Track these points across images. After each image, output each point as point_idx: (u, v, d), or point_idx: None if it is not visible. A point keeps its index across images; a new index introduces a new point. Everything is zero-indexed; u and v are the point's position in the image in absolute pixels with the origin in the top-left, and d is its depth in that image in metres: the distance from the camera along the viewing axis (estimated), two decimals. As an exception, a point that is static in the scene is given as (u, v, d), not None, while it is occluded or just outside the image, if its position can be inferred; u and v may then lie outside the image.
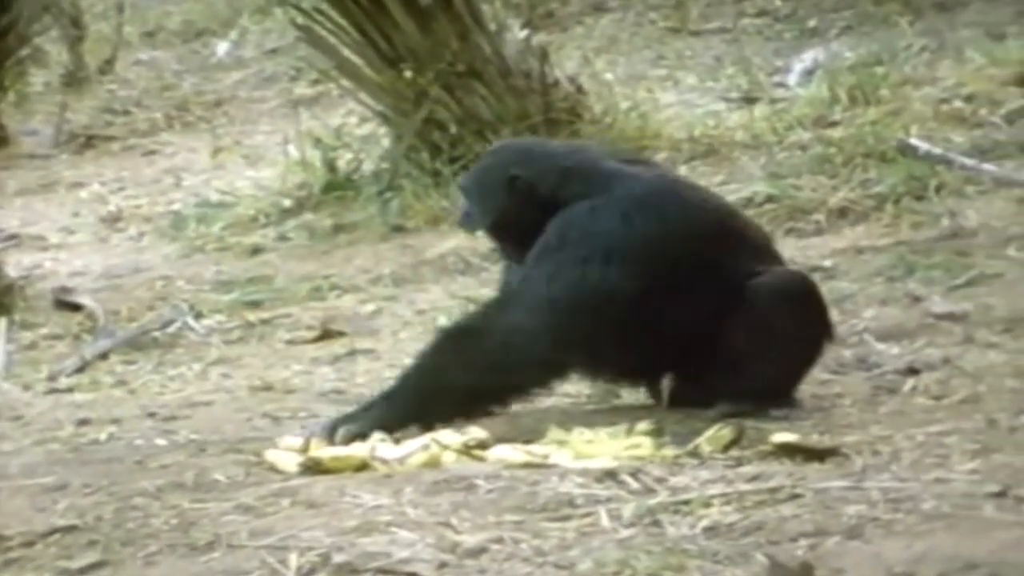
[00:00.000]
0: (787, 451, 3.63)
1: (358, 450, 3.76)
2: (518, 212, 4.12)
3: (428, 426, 3.89)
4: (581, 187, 4.11)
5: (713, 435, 3.74)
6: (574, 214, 4.07)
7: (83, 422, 4.45)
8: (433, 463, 3.67)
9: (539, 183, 4.13)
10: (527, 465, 3.60)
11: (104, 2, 11.26)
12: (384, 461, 3.70)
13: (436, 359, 4.04)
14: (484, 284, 5.73)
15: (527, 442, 3.79)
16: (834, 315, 4.83)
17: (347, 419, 3.96)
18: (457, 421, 3.91)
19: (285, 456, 3.80)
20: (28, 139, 9.78)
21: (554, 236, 4.06)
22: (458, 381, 3.97)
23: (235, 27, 10.56)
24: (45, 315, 6.04)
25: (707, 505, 3.28)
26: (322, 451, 3.80)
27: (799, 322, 4.10)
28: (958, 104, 6.75)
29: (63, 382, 5.19)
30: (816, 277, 5.20)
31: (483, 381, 3.98)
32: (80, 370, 5.32)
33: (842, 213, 5.86)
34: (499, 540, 3.15)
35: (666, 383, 4.14)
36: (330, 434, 3.89)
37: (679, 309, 4.04)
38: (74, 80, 10.31)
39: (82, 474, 3.77)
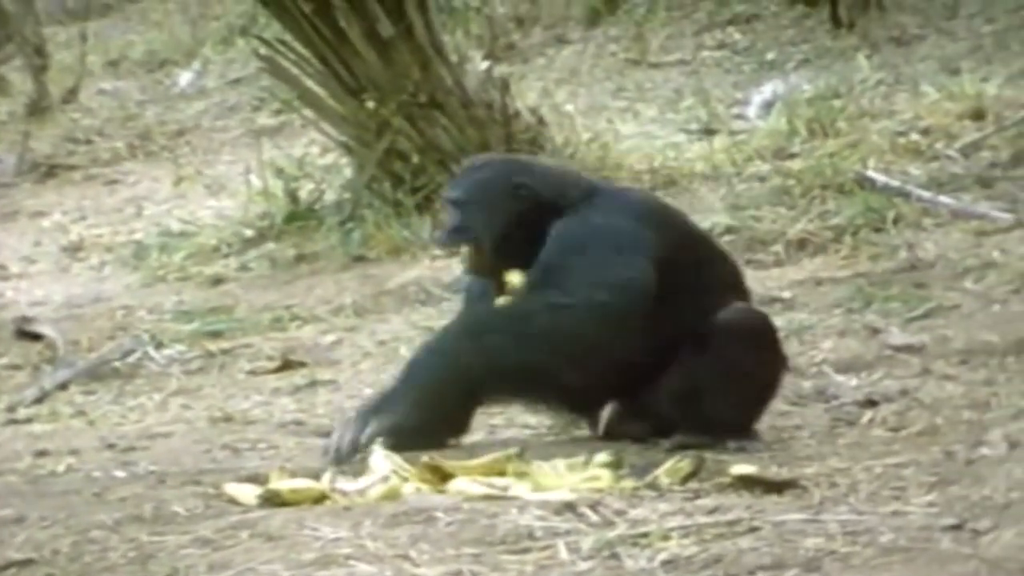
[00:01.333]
0: (746, 483, 3.63)
1: (314, 484, 3.76)
2: (520, 220, 4.14)
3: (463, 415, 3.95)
4: (579, 195, 4.14)
5: (672, 467, 3.74)
6: (589, 218, 4.10)
7: (41, 453, 4.43)
8: (392, 495, 3.67)
9: (542, 191, 4.15)
10: (487, 497, 3.60)
11: (67, 32, 11.25)
12: (344, 493, 3.70)
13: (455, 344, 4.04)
14: (444, 314, 5.74)
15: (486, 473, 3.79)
16: (792, 346, 4.87)
17: (373, 411, 3.96)
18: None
19: (244, 488, 3.79)
20: (-11, 169, 9.74)
21: (573, 237, 4.08)
22: (506, 360, 3.99)
23: (198, 57, 10.56)
24: (5, 345, 6.01)
25: (666, 538, 3.28)
26: (280, 483, 3.80)
27: (760, 361, 4.12)
28: (915, 137, 6.80)
29: (22, 412, 5.17)
30: (775, 308, 5.26)
31: (539, 356, 3.99)
32: (39, 400, 5.30)
33: (801, 244, 5.88)
34: (458, 573, 3.15)
35: (608, 412, 4.15)
36: (359, 430, 3.90)
37: (644, 332, 4.05)
38: (37, 109, 10.28)
39: (39, 506, 3.74)
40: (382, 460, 3.84)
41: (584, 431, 4.26)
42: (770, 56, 8.43)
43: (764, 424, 4.19)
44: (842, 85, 7.55)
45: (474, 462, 3.81)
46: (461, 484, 3.70)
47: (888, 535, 3.24)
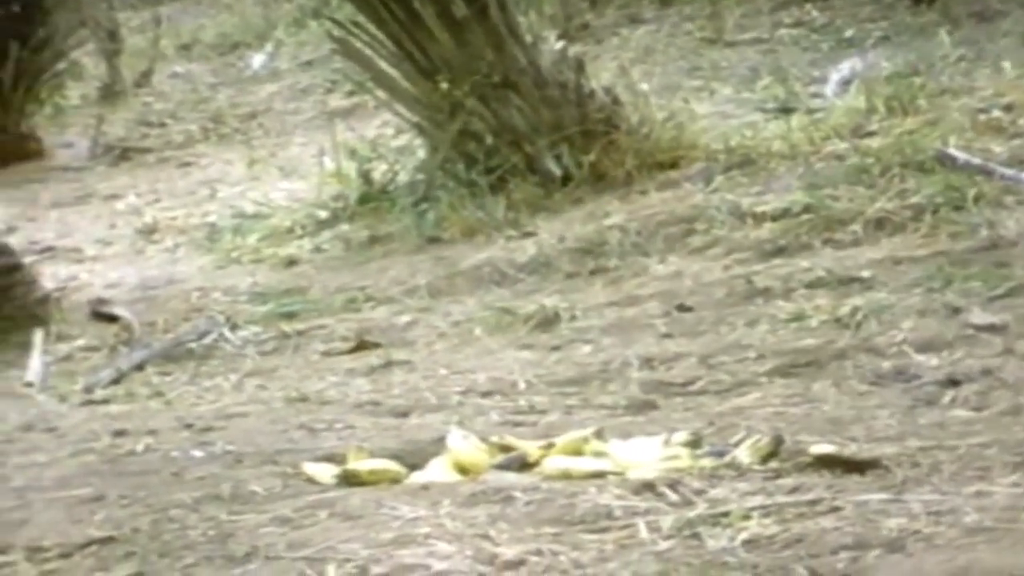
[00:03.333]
0: (826, 463, 3.60)
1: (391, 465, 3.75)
2: None
3: None
4: None
5: (751, 446, 3.71)
6: None
7: (119, 433, 4.44)
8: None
9: None
10: (593, 475, 3.58)
11: (140, 16, 11.32)
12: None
13: None
14: (518, 295, 5.73)
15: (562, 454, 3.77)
16: (872, 326, 4.83)
17: None
18: None
19: (321, 468, 3.79)
20: (64, 152, 9.81)
21: None
22: None
23: (270, 40, 10.59)
24: (81, 327, 6.04)
25: (746, 517, 3.25)
26: (358, 463, 3.79)
27: None
28: (996, 114, 6.72)
29: (99, 394, 5.19)
30: (853, 288, 5.21)
31: None
32: (115, 382, 5.32)
33: (880, 224, 5.82)
34: (537, 552, 3.13)
35: None
36: None
37: None
38: (110, 93, 10.35)
39: (118, 486, 3.76)
40: (460, 440, 3.83)
41: (661, 410, 4.24)
42: (848, 33, 8.37)
43: (844, 404, 4.15)
44: (922, 62, 7.49)
45: (547, 442, 3.80)
46: (559, 462, 3.68)
47: (972, 515, 3.20)
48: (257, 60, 10.47)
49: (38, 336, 5.88)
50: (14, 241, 7.09)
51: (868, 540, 3.12)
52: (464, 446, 3.81)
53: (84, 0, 10.52)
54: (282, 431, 4.35)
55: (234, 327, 5.74)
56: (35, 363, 5.63)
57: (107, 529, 3.43)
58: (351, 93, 8.86)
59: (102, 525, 3.47)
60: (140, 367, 5.45)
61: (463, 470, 3.75)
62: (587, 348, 4.98)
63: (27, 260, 6.69)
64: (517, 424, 4.20)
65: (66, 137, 10.02)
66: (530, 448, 3.77)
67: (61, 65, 10.10)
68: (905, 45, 7.98)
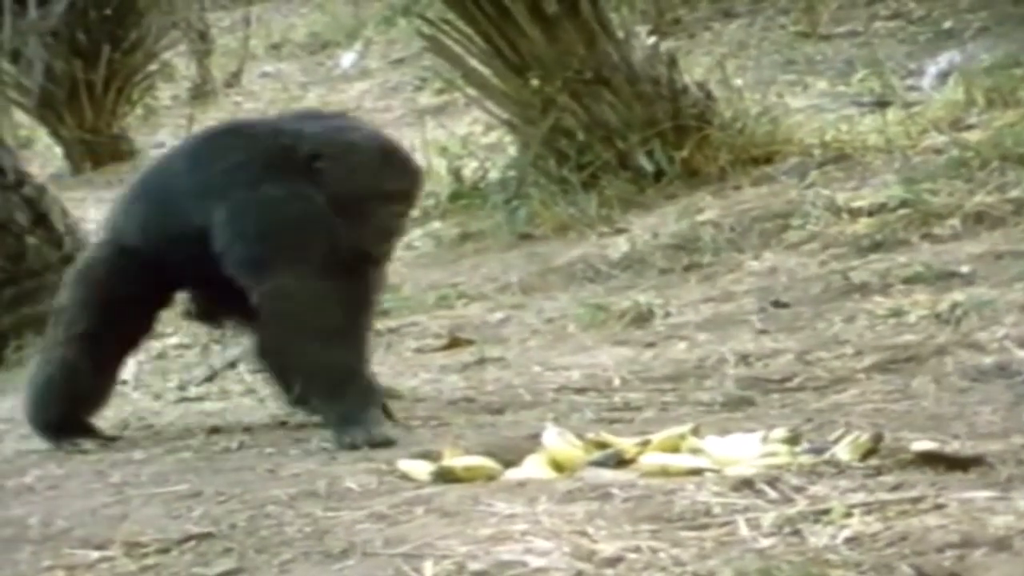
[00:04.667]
0: (928, 460, 3.54)
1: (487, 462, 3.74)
2: None
3: None
4: None
5: (851, 443, 3.66)
6: None
7: (214, 430, 4.46)
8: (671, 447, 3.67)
9: None
10: (690, 472, 3.54)
11: (231, 16, 11.39)
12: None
13: None
14: (612, 292, 5.69)
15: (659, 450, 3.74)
16: (972, 322, 4.76)
17: None
18: None
19: (417, 464, 3.77)
20: (156, 152, 9.88)
21: None
22: None
23: (360, 38, 10.63)
24: (174, 325, 6.06)
25: (848, 515, 3.20)
26: (454, 460, 3.77)
27: None
28: (1099, 104, 6.64)
29: (193, 391, 5.21)
30: (953, 283, 5.14)
31: None
32: (209, 379, 5.34)
33: (979, 218, 5.74)
34: (636, 549, 3.10)
35: None
36: None
37: None
38: (201, 93, 10.43)
39: (215, 482, 3.77)
40: (555, 437, 3.80)
41: (758, 407, 4.20)
42: (947, 25, 8.28)
43: (944, 400, 4.09)
44: (1023, 53, 7.38)
45: (643, 438, 3.76)
46: (657, 458, 3.64)
47: (1080, 513, 3.13)
48: (347, 59, 10.51)
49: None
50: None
51: (974, 538, 3.06)
52: (559, 443, 3.78)
53: (176, 2, 10.60)
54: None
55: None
56: (129, 361, 5.66)
57: (205, 525, 3.43)
58: (441, 91, 8.87)
59: (200, 521, 3.47)
60: (233, 365, 5.46)
61: (559, 467, 3.73)
62: (682, 345, 4.94)
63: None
64: (612, 421, 4.17)
65: (158, 137, 10.10)
66: (626, 445, 3.74)
67: (152, 66, 10.19)
68: (1006, 36, 7.88)
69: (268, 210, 4.17)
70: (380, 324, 5.71)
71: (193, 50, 10.65)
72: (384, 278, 4.50)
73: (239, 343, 5.69)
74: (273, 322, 4.18)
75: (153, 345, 5.83)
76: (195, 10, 10.78)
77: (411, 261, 6.62)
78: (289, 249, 4.17)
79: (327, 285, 4.14)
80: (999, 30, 8.05)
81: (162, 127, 10.33)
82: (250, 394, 5.10)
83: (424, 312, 5.84)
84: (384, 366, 5.24)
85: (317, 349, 4.13)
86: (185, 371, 5.48)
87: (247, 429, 4.43)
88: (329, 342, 4.12)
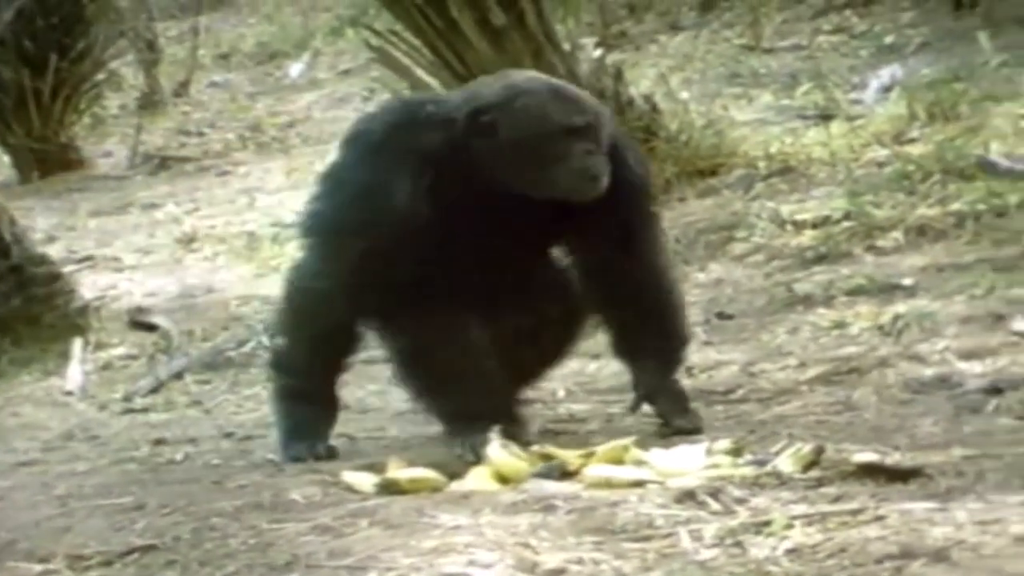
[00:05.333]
0: (869, 472, 3.57)
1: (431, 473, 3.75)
2: None
3: None
4: None
5: (793, 455, 3.68)
6: None
7: (159, 442, 4.46)
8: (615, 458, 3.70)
9: None
10: (634, 484, 3.56)
11: (179, 26, 11.37)
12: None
13: None
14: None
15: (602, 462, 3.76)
16: (914, 334, 4.80)
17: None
18: None
19: (361, 476, 3.78)
20: (103, 161, 9.87)
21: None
22: None
23: (308, 49, 10.63)
24: (120, 336, 6.06)
25: (789, 526, 3.23)
26: (398, 472, 3.79)
27: None
28: (1039, 120, 6.70)
29: (139, 402, 5.21)
30: (896, 295, 5.18)
31: None
32: (155, 390, 5.33)
33: (921, 231, 5.79)
34: (579, 561, 3.11)
35: None
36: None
37: None
38: (149, 103, 10.40)
39: (159, 494, 3.77)
40: (499, 449, 3.82)
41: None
42: (889, 39, 8.34)
43: (886, 412, 4.13)
44: (963, 68, 7.46)
45: (587, 450, 3.78)
46: (601, 470, 3.66)
47: (1019, 525, 3.16)
48: (295, 69, 10.50)
49: (78, 345, 5.90)
50: (54, 251, 7.12)
51: (913, 549, 3.08)
52: (503, 455, 3.80)
53: (123, 11, 10.57)
54: (322, 440, 4.34)
55: (273, 335, 5.74)
56: (75, 372, 5.65)
57: (148, 537, 3.43)
58: (389, 102, 8.85)
59: (143, 533, 3.47)
60: (179, 376, 5.46)
61: (503, 479, 3.74)
62: (627, 356, 4.95)
63: (67, 269, 6.72)
64: (558, 433, 4.19)
65: (105, 147, 10.07)
66: (570, 457, 3.76)
67: (100, 75, 10.16)
68: (946, 51, 7.95)
69: None
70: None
71: (141, 59, 10.63)
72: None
73: (185, 354, 5.69)
74: None
75: (99, 356, 5.82)
76: (143, 19, 10.76)
77: (358, 272, 6.62)
78: None
79: None
80: (939, 45, 8.12)
81: (110, 136, 10.29)
82: (196, 405, 5.10)
83: (371, 323, 5.83)
84: (330, 377, 5.25)
85: None
86: (131, 382, 5.46)
87: (192, 440, 4.43)
88: None
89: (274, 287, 6.49)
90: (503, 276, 4.03)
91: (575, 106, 4.01)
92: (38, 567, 3.34)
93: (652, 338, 4.04)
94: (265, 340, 5.69)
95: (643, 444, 3.83)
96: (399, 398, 4.84)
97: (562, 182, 3.93)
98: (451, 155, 3.94)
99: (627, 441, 3.81)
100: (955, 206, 5.89)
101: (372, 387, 5.03)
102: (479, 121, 3.93)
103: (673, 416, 4.03)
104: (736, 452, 3.79)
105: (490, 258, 3.98)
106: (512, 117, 3.93)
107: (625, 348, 4.11)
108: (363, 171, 3.96)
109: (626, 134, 4.39)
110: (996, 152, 6.27)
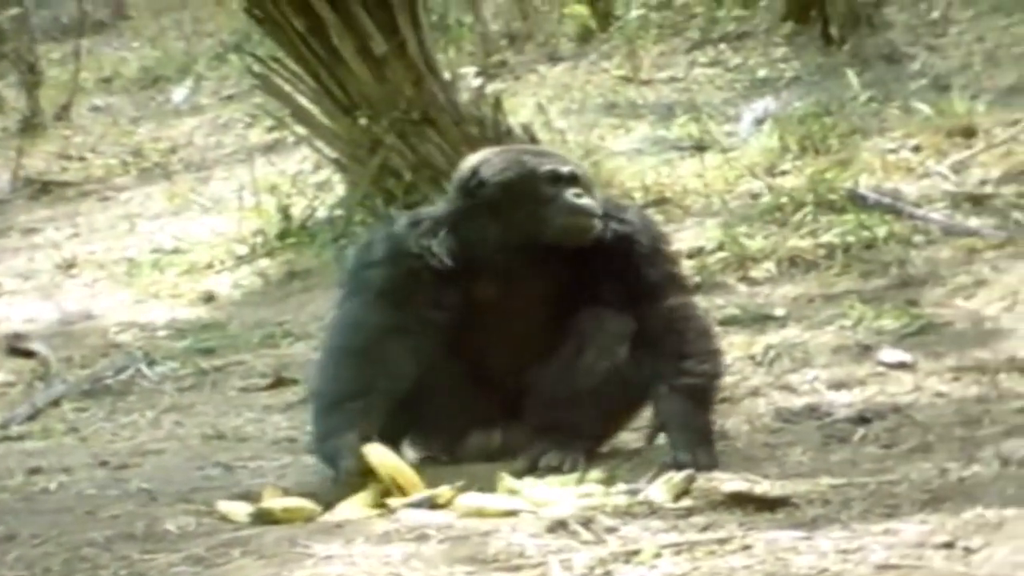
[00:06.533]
0: (738, 501, 3.62)
1: (306, 503, 3.76)
2: None
3: None
4: None
5: (665, 484, 3.73)
6: None
7: (34, 471, 4.42)
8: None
9: None
10: (506, 513, 3.59)
11: (61, 48, 11.26)
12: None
13: None
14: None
15: (481, 491, 3.79)
16: (784, 364, 4.88)
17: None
18: None
19: (236, 506, 3.79)
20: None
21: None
22: None
23: (191, 74, 10.57)
24: (-4, 363, 6.01)
25: (658, 555, 3.27)
26: (273, 501, 3.80)
27: None
28: (906, 154, 6.82)
29: (14, 430, 5.16)
30: (767, 325, 5.26)
31: None
32: (32, 417, 5.29)
33: (793, 262, 5.88)
34: (450, 591, 3.15)
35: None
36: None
37: None
38: (30, 126, 10.28)
39: (32, 524, 3.74)
40: (382, 452, 3.84)
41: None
42: (762, 73, 8.44)
43: (757, 441, 4.19)
44: (833, 102, 7.57)
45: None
46: (472, 499, 3.69)
47: (881, 553, 3.23)
48: (178, 94, 10.44)
49: (-47, 372, 5.84)
50: (-70, 276, 7.04)
51: (778, 578, 3.15)
52: (393, 457, 3.82)
53: (4, 32, 10.47)
54: (198, 468, 4.35)
55: (152, 363, 5.72)
56: (-50, 399, 5.59)
57: (19, 569, 3.41)
58: (271, 128, 8.85)
59: (14, 565, 3.44)
60: (57, 403, 5.42)
61: (398, 486, 3.76)
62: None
63: (-57, 295, 6.65)
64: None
65: (-14, 169, 9.93)
66: (441, 490, 3.78)
67: (-20, 98, 10.03)
68: (817, 85, 8.07)
69: None
70: (205, 363, 5.72)
71: (22, 82, 10.52)
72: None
73: (63, 381, 5.66)
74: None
75: (-26, 383, 5.77)
76: (24, 41, 10.66)
77: (238, 299, 6.62)
78: None
79: None
80: (810, 79, 8.23)
81: (-10, 159, 10.18)
82: (72, 433, 5.07)
83: (249, 351, 5.83)
84: (208, 405, 5.25)
85: None
86: (7, 409, 5.42)
87: (67, 470, 4.40)
88: None
89: (153, 314, 6.51)
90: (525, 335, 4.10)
91: (558, 158, 4.22)
92: (-94, 600, 3.32)
93: (670, 371, 4.04)
94: (143, 367, 5.68)
95: (516, 473, 3.86)
96: (276, 426, 4.86)
97: (556, 222, 4.04)
98: (458, 223, 4.08)
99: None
100: (826, 238, 5.99)
101: (249, 415, 5.04)
102: (470, 184, 4.09)
103: (678, 448, 3.94)
104: (608, 481, 3.84)
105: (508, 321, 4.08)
106: (497, 168, 4.09)
107: (647, 381, 4.11)
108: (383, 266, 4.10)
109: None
110: (865, 185, 6.39)
